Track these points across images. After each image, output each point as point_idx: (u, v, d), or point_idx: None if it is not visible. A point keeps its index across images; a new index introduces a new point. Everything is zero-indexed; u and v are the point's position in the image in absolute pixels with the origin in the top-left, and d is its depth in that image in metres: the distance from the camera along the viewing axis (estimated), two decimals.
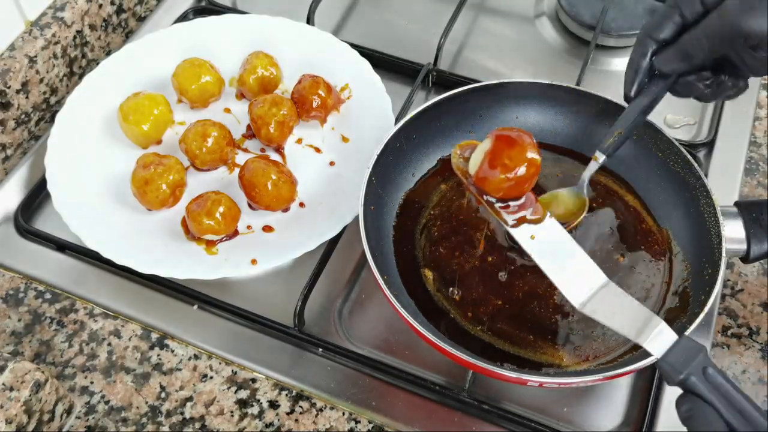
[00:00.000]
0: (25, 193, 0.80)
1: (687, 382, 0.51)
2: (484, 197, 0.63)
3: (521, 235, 0.62)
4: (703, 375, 0.50)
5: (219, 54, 0.88)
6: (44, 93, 0.87)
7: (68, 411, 0.66)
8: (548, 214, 0.63)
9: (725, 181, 0.81)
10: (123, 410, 0.67)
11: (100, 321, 0.72)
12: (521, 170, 0.61)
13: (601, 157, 0.68)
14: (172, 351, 0.71)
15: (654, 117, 0.74)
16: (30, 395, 0.61)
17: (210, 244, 0.74)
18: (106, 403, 0.67)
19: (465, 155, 0.65)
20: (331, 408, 0.67)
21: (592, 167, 0.69)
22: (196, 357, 0.70)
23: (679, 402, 0.51)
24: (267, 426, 0.66)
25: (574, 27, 0.96)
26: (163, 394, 0.68)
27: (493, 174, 0.61)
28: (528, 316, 0.67)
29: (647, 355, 0.54)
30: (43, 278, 0.75)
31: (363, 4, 1.01)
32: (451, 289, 0.69)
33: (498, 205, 0.63)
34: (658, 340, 0.54)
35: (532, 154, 0.61)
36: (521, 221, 0.62)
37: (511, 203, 0.63)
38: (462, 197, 0.75)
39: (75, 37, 0.90)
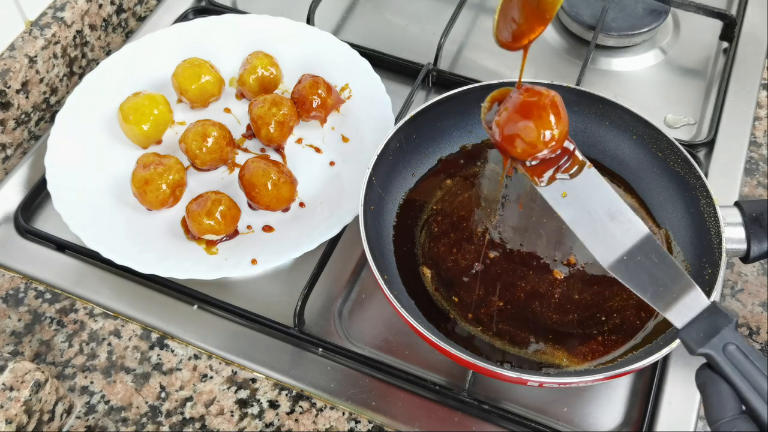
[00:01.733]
0: (25, 193, 0.80)
1: (706, 356, 0.50)
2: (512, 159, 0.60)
3: (551, 194, 0.58)
4: (723, 352, 0.49)
5: (219, 54, 0.88)
6: (44, 93, 0.87)
7: (68, 411, 0.66)
8: (587, 164, 0.59)
9: (725, 181, 0.81)
10: (123, 410, 0.67)
11: (100, 321, 0.72)
12: (548, 137, 0.57)
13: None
14: (172, 351, 0.71)
15: (654, 117, 0.74)
16: (30, 395, 0.61)
17: (210, 244, 0.74)
18: (106, 403, 0.67)
19: (494, 114, 0.61)
20: (331, 408, 0.67)
21: None
22: (196, 357, 0.70)
23: (698, 372, 0.50)
24: (267, 426, 0.66)
25: (574, 27, 0.96)
26: (163, 394, 0.68)
27: (513, 145, 0.58)
28: (530, 316, 0.67)
29: (648, 354, 0.54)
30: (43, 278, 0.75)
31: (363, 4, 1.01)
32: (451, 289, 0.69)
33: (530, 163, 0.59)
34: (684, 309, 0.52)
35: (560, 118, 0.57)
36: (552, 179, 0.59)
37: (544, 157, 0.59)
38: (464, 192, 0.75)
39: (75, 37, 0.90)
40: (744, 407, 0.48)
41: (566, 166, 0.59)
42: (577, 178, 0.59)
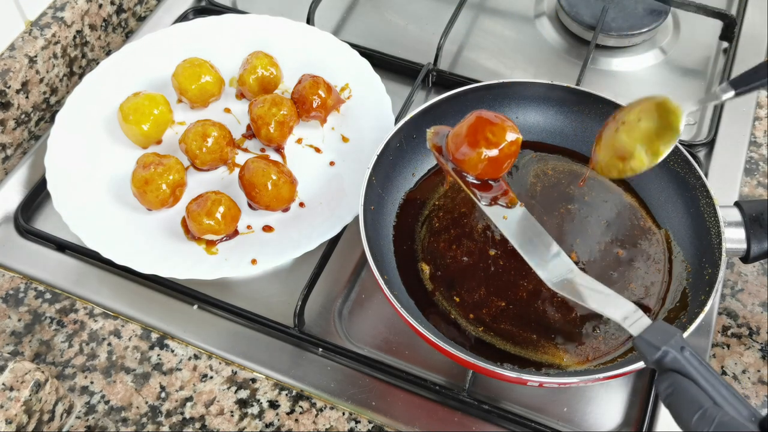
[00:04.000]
0: (25, 193, 0.80)
1: (665, 360, 0.50)
2: (462, 175, 0.66)
3: (494, 213, 0.65)
4: (681, 352, 0.50)
5: (219, 54, 0.88)
6: (44, 93, 0.87)
7: (68, 411, 0.66)
8: (518, 203, 0.66)
9: (725, 181, 0.81)
10: (123, 410, 0.67)
11: (100, 321, 0.72)
12: (502, 148, 0.64)
13: (727, 93, 0.60)
14: (172, 351, 0.71)
15: None
16: (30, 395, 0.61)
17: (210, 244, 0.74)
18: (106, 403, 0.67)
19: (439, 135, 0.68)
20: (331, 408, 0.67)
21: (712, 99, 0.61)
22: (196, 357, 0.70)
23: (659, 382, 0.51)
24: (267, 426, 0.66)
25: (574, 27, 0.96)
26: (163, 394, 0.68)
27: (473, 152, 0.64)
28: (531, 316, 0.67)
29: None
30: (43, 278, 0.75)
31: (363, 4, 1.01)
32: (452, 288, 0.69)
33: (474, 184, 0.65)
34: (636, 321, 0.55)
35: (513, 134, 0.64)
36: (493, 201, 0.65)
37: (492, 183, 0.66)
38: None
39: (75, 37, 0.90)
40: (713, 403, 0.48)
41: (507, 199, 0.66)
42: (513, 209, 0.65)
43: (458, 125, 0.66)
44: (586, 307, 0.59)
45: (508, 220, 0.64)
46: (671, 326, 0.53)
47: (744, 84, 0.60)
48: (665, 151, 0.61)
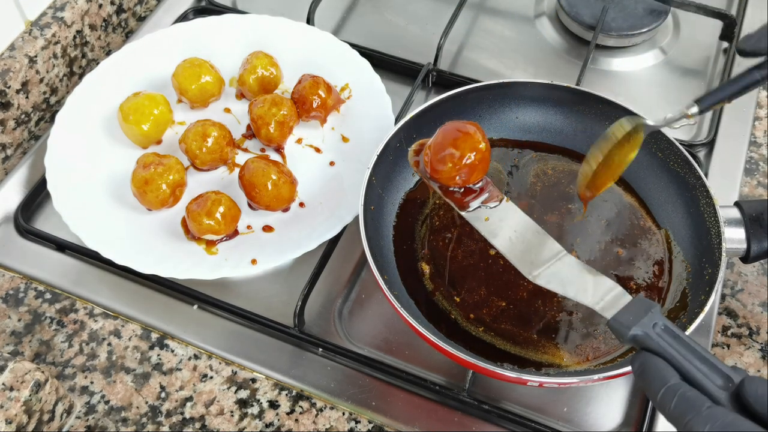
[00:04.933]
0: (25, 193, 0.80)
1: (637, 338, 0.50)
2: (444, 188, 0.67)
3: (474, 218, 0.65)
4: (653, 329, 0.50)
5: (219, 54, 0.88)
6: (44, 93, 0.87)
7: (68, 411, 0.66)
8: (504, 198, 0.66)
9: (725, 181, 0.81)
10: (123, 410, 0.67)
11: (100, 321, 0.72)
12: (467, 159, 0.65)
13: (692, 109, 0.61)
14: (172, 351, 0.71)
15: (654, 117, 0.74)
16: (30, 395, 0.61)
17: (210, 244, 0.74)
18: (106, 403, 0.67)
19: (417, 151, 0.69)
20: (331, 408, 0.67)
21: (677, 118, 0.62)
22: (196, 357, 0.70)
23: (632, 361, 0.51)
24: (267, 426, 0.66)
25: (574, 27, 0.96)
26: (163, 394, 0.68)
27: (442, 166, 0.65)
28: (532, 316, 0.67)
29: None
30: (43, 278, 0.75)
31: (363, 4, 1.01)
32: (453, 288, 0.69)
33: (458, 193, 0.66)
34: (612, 303, 0.55)
35: (476, 143, 0.65)
36: (483, 203, 0.66)
37: (474, 187, 0.67)
38: None
39: (75, 37, 0.90)
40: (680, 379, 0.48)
41: (489, 194, 0.67)
42: (498, 206, 0.66)
43: (431, 140, 0.67)
44: (566, 296, 0.60)
45: (489, 221, 0.65)
46: (647, 302, 0.53)
47: (708, 102, 0.61)
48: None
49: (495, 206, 0.66)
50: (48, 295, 0.74)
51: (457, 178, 0.66)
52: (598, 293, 0.57)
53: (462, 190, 0.67)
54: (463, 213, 0.66)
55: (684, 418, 0.45)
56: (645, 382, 0.48)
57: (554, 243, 0.63)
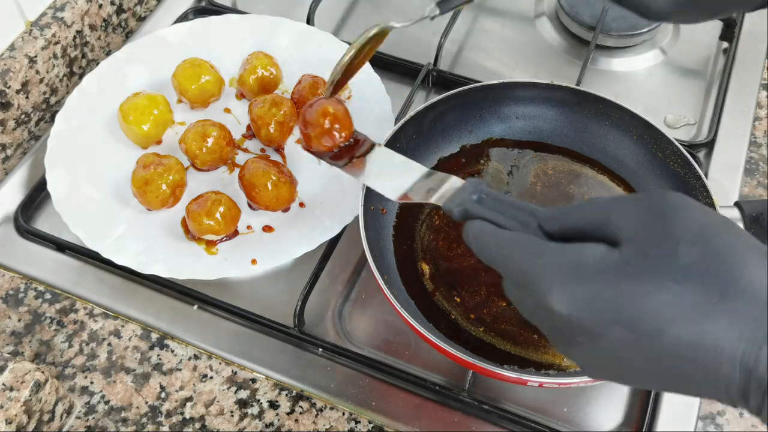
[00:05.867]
0: (25, 193, 0.80)
1: (467, 212, 0.51)
2: (325, 156, 0.68)
3: (352, 171, 0.66)
4: (479, 200, 0.51)
5: (219, 54, 0.88)
6: (44, 93, 0.87)
7: (68, 411, 0.66)
8: (377, 143, 0.68)
9: (725, 181, 0.81)
10: (123, 410, 0.67)
11: (100, 321, 0.72)
12: (323, 123, 0.66)
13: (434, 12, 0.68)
14: (172, 351, 0.71)
15: (654, 117, 0.74)
16: (30, 395, 0.61)
17: (210, 244, 0.74)
18: (106, 403, 0.67)
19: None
20: (331, 408, 0.67)
21: (417, 19, 0.70)
22: (196, 357, 0.70)
23: (464, 234, 0.51)
24: (267, 426, 0.66)
25: (574, 27, 0.96)
26: (163, 394, 0.68)
27: (307, 136, 0.67)
28: None
29: None
30: (43, 278, 0.75)
31: (363, 4, 1.01)
32: (453, 289, 0.69)
33: (343, 156, 0.68)
34: (448, 191, 0.55)
35: (324, 108, 0.67)
36: (355, 158, 0.67)
37: (348, 144, 0.68)
38: None
39: (75, 37, 0.90)
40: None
41: (365, 145, 0.68)
42: (374, 152, 0.67)
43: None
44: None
45: (368, 167, 0.66)
46: (476, 180, 0.53)
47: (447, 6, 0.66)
48: None
49: (366, 151, 0.67)
50: (48, 296, 0.74)
51: (327, 143, 0.67)
52: (435, 189, 0.58)
53: (339, 150, 0.68)
54: (343, 171, 0.66)
55: (520, 257, 0.45)
56: (478, 246, 0.49)
57: (420, 166, 0.63)
